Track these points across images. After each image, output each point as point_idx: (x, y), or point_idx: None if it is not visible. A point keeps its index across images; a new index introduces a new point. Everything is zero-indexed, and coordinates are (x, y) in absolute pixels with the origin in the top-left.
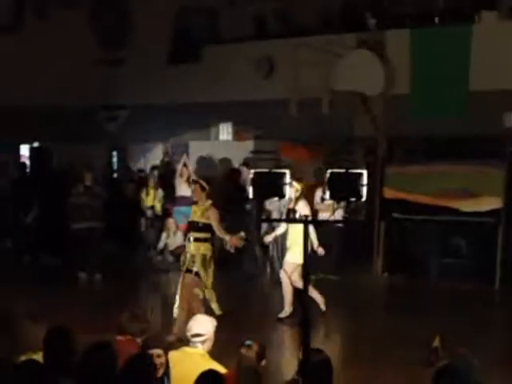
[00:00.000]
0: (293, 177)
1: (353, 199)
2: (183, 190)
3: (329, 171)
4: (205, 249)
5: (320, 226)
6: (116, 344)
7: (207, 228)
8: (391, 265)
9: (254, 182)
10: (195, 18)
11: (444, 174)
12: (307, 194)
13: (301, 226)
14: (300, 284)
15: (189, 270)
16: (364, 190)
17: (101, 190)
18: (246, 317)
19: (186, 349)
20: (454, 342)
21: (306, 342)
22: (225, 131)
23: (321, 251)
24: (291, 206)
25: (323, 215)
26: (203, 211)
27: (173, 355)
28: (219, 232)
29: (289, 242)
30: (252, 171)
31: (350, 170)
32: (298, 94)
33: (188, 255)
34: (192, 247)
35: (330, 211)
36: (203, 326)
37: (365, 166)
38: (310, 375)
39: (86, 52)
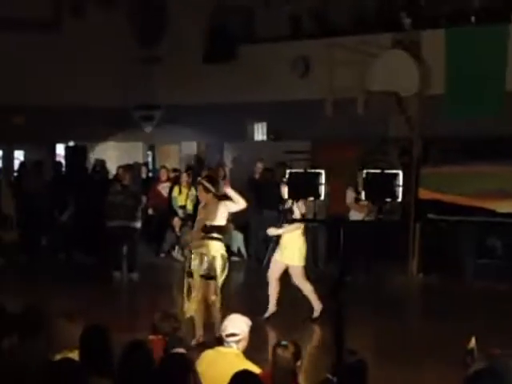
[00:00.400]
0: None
1: (388, 200)
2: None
3: (364, 171)
4: (215, 249)
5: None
6: (148, 343)
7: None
8: (426, 265)
9: (289, 182)
10: (231, 18)
11: (480, 174)
12: (338, 194)
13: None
14: (305, 285)
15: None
16: (399, 191)
17: (138, 189)
18: (279, 316)
19: (221, 348)
20: (489, 343)
21: (340, 342)
22: (260, 131)
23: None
24: (287, 206)
25: (356, 215)
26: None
27: (207, 355)
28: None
29: (283, 244)
30: (287, 171)
31: (386, 171)
32: (333, 94)
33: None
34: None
35: (364, 212)
36: (238, 325)
37: (400, 167)
38: (345, 376)
39: (122, 51)
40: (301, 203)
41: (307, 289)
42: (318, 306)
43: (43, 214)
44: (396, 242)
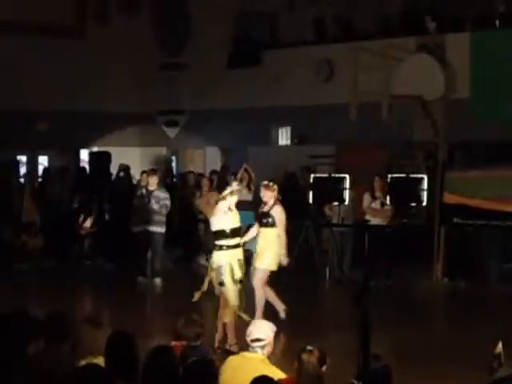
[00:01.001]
0: (270, 179)
1: (413, 204)
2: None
3: (390, 176)
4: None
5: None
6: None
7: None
8: (451, 270)
9: (313, 187)
10: (254, 23)
11: (505, 178)
12: (357, 198)
13: (271, 232)
14: (260, 291)
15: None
16: (424, 195)
17: (163, 194)
18: (305, 321)
19: (246, 354)
20: None
21: (365, 347)
22: (284, 136)
23: (285, 261)
24: (266, 209)
25: (374, 220)
26: None
27: (232, 360)
28: None
29: (259, 248)
30: (312, 176)
31: (411, 175)
32: (357, 98)
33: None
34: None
35: (379, 216)
36: (263, 330)
37: (425, 171)
38: (370, 381)
39: (147, 57)
40: (279, 207)
41: (260, 295)
42: (259, 315)
43: (67, 219)
44: (421, 247)
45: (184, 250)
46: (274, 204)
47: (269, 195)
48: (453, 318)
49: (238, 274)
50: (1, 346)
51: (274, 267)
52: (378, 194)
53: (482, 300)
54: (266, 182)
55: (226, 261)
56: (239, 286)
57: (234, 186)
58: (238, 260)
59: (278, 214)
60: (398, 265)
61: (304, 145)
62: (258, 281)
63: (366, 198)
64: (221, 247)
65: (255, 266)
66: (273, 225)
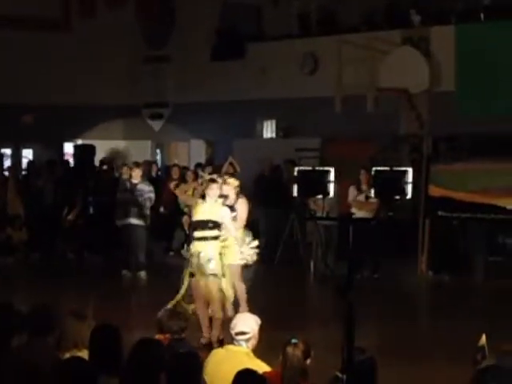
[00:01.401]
0: (230, 174)
1: (397, 197)
2: None
3: (374, 169)
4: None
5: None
6: None
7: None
8: (436, 263)
9: (298, 180)
10: (239, 15)
11: (489, 171)
12: (342, 192)
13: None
14: (240, 285)
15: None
16: (409, 188)
17: (147, 186)
18: (289, 314)
19: (231, 347)
20: (499, 341)
21: (349, 340)
22: (269, 129)
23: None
24: (229, 203)
25: (359, 213)
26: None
27: (217, 353)
28: None
29: (228, 243)
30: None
31: (395, 168)
32: (342, 91)
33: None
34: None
35: (364, 210)
36: (248, 323)
37: (410, 164)
38: (355, 374)
39: (131, 50)
40: (242, 201)
41: (241, 289)
42: (244, 309)
43: (51, 212)
44: (406, 240)
45: (168, 243)
46: (238, 197)
47: (227, 189)
48: (437, 311)
49: (194, 268)
50: None
51: (245, 261)
52: (363, 187)
53: (467, 293)
54: (225, 177)
55: (192, 252)
56: (209, 279)
57: (203, 175)
58: (202, 253)
59: (242, 206)
60: (383, 258)
61: (289, 137)
62: (235, 276)
63: (352, 191)
64: (196, 239)
65: (228, 262)
66: None
